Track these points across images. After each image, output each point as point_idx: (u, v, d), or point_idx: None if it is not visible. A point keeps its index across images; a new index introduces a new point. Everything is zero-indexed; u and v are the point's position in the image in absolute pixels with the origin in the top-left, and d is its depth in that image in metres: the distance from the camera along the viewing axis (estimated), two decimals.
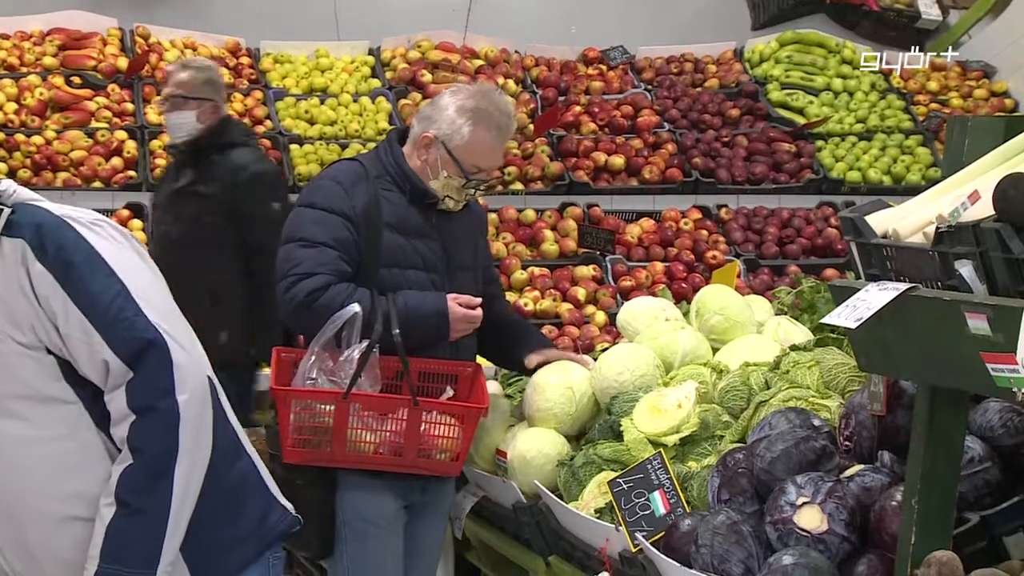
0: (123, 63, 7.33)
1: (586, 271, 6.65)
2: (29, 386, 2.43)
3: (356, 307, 3.48)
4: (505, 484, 3.81)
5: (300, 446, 3.54)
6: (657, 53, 8.43)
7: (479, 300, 3.70)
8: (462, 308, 3.64)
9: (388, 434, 3.57)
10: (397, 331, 3.52)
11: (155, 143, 6.86)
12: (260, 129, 7.17)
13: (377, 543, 3.67)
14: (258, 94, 7.42)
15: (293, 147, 7.07)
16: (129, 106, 7.10)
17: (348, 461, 3.58)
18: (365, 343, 3.49)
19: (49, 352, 2.42)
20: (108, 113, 7.05)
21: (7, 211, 2.43)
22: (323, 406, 3.50)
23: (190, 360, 2.45)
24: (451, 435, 3.62)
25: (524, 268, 6.57)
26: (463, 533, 4.16)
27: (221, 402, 2.55)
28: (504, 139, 3.76)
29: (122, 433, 2.41)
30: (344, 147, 7.12)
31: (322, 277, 3.53)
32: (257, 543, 2.62)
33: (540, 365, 3.93)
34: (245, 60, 7.71)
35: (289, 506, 2.70)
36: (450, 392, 3.71)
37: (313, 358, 3.50)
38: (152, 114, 7.06)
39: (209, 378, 2.50)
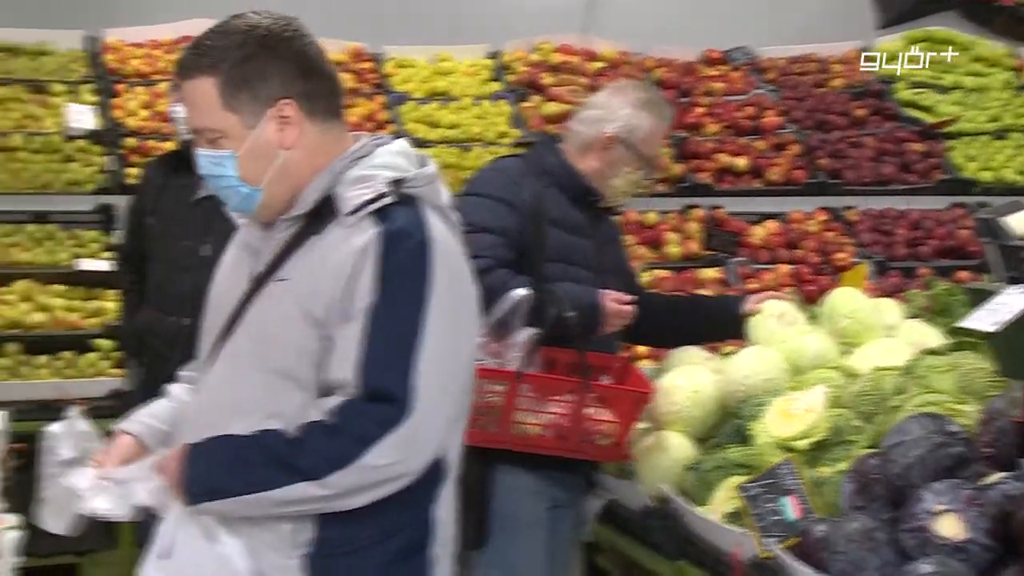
0: None
1: (711, 274, 6.58)
2: (289, 355, 2.37)
3: (524, 290, 3.51)
4: (633, 487, 3.80)
5: (470, 426, 3.53)
6: (780, 53, 8.32)
7: (631, 298, 3.76)
8: (615, 304, 3.69)
9: (554, 416, 3.59)
10: (573, 313, 3.56)
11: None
12: (383, 133, 7.21)
13: (526, 542, 3.71)
14: (381, 98, 7.48)
15: (415, 150, 7.09)
16: None
17: (512, 443, 3.60)
18: (530, 330, 3.51)
19: (320, 338, 2.35)
20: None
21: (392, 198, 2.37)
22: (493, 386, 3.51)
23: (419, 443, 2.33)
24: (616, 420, 3.64)
25: (647, 271, 6.53)
26: (592, 537, 4.15)
27: (433, 495, 2.45)
28: (668, 126, 3.93)
29: (310, 415, 2.34)
30: (466, 150, 7.14)
31: (483, 260, 3.53)
32: None
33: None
34: (368, 65, 7.77)
35: None
36: (607, 381, 3.76)
37: (482, 340, 3.49)
38: None
39: (436, 464, 2.40)
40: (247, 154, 2.41)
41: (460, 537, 3.74)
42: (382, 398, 2.30)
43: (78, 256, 6.06)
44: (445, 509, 2.49)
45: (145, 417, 2.65)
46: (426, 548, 2.46)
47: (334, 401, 2.33)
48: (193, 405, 2.54)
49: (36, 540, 3.06)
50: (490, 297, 3.52)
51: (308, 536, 2.39)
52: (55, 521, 2.54)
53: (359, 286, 2.32)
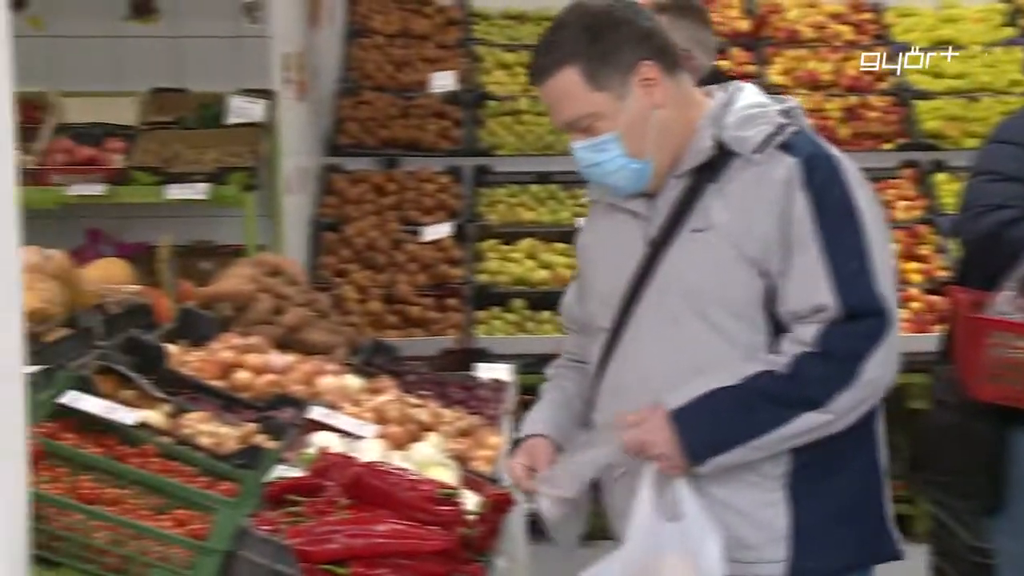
0: (744, 25, 7.37)
1: None
2: (733, 298, 2.41)
3: None
4: None
5: (992, 381, 3.37)
6: None
7: None
8: None
9: None
10: None
11: None
12: (883, 85, 6.97)
13: None
14: (881, 49, 7.21)
15: (917, 102, 6.81)
16: (751, 68, 7.12)
17: None
18: None
19: (760, 275, 2.40)
20: None
21: (792, 130, 2.45)
22: (1020, 341, 3.33)
23: (896, 350, 2.37)
24: None
25: None
26: None
27: (876, 409, 2.47)
28: None
29: (785, 348, 2.37)
30: (973, 101, 6.76)
31: (1010, 211, 3.38)
32: (851, 556, 2.49)
33: None
34: (868, 16, 7.52)
35: (897, 539, 2.53)
36: None
37: (1007, 293, 3.32)
38: (774, 75, 7.04)
39: None
40: (627, 128, 2.45)
41: (973, 501, 3.56)
42: (862, 314, 2.34)
43: (578, 215, 6.25)
44: (881, 422, 2.53)
45: (542, 417, 2.71)
46: (878, 461, 2.51)
47: (811, 329, 2.35)
48: (628, 376, 2.51)
49: None
50: (1018, 249, 3.30)
51: (784, 468, 2.42)
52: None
53: (794, 216, 2.36)
